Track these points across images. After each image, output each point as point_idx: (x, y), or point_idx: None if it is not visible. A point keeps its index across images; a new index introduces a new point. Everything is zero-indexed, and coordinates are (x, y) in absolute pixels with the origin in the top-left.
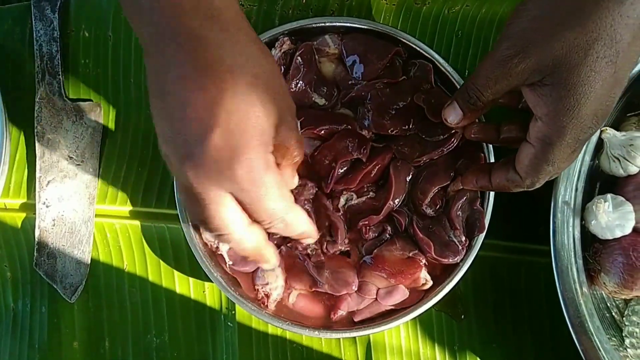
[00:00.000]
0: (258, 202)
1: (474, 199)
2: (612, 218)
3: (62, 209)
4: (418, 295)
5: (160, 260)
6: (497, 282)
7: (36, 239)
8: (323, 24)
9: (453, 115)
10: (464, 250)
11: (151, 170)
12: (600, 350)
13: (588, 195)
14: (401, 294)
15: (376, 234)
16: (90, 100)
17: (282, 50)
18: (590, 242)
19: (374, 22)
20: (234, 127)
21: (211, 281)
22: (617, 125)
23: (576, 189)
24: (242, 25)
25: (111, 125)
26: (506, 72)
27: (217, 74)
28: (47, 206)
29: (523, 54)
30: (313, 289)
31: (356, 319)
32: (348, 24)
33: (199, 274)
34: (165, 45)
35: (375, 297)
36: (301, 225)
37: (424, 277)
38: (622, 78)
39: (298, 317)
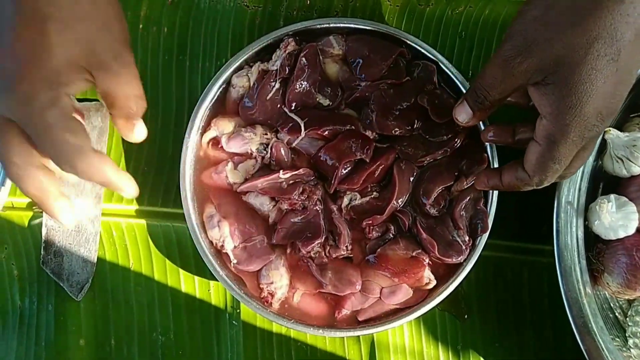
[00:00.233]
0: (38, 137)
1: (477, 199)
2: (615, 218)
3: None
4: (422, 295)
5: (166, 259)
6: (500, 282)
7: (43, 238)
8: (327, 25)
9: (463, 115)
10: (468, 250)
11: (157, 170)
12: (603, 351)
13: (591, 196)
14: (405, 293)
15: (379, 234)
16: (96, 100)
17: (287, 51)
18: (594, 243)
19: (377, 23)
20: (24, 59)
21: (216, 280)
22: (620, 126)
23: (579, 189)
24: None
25: None
26: (510, 71)
27: (30, 21)
28: None
29: (525, 53)
30: (317, 290)
31: (360, 318)
32: (352, 25)
33: (204, 273)
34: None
35: (379, 296)
36: (97, 174)
37: (428, 277)
38: (626, 76)
39: (302, 315)
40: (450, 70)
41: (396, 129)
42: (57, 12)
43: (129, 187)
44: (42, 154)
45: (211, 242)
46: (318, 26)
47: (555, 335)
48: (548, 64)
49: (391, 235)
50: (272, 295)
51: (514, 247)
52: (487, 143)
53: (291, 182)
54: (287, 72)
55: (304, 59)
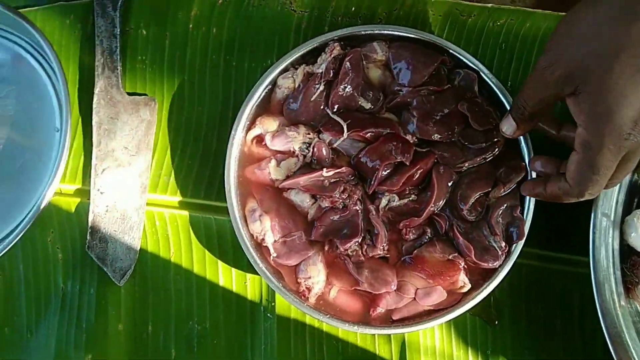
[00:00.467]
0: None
1: (514, 207)
2: None
3: (115, 196)
4: (455, 298)
5: (206, 251)
6: (531, 290)
7: (89, 224)
8: (372, 32)
9: (507, 127)
10: (504, 256)
11: (201, 163)
12: None
13: (627, 209)
14: (439, 295)
15: (416, 236)
16: (145, 94)
17: (332, 55)
18: (629, 255)
19: (421, 32)
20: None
21: (253, 273)
22: None
23: (616, 202)
24: None
25: (164, 119)
26: (544, 83)
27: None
28: (101, 193)
29: (556, 64)
30: (353, 288)
31: (394, 317)
32: (396, 33)
33: (242, 266)
34: None
35: (413, 296)
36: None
37: (462, 280)
38: None
39: (337, 311)
40: (490, 80)
41: (436, 134)
42: None
43: None
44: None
45: (252, 235)
46: (363, 32)
47: (585, 345)
48: (577, 73)
49: (427, 238)
50: (309, 290)
51: (546, 256)
52: (525, 151)
53: (333, 180)
54: (331, 75)
55: (348, 63)
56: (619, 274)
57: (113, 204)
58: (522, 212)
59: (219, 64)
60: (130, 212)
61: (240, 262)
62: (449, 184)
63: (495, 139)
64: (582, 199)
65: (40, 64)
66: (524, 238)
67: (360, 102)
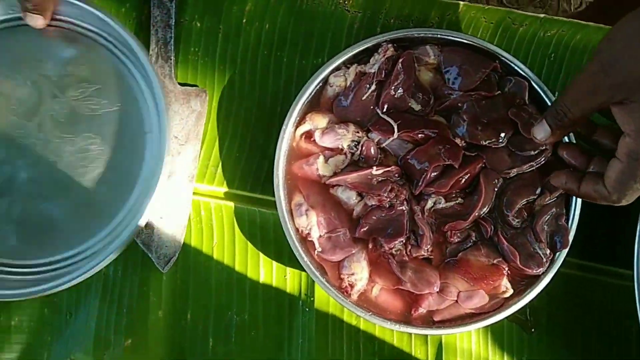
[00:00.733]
0: None
1: (559, 215)
2: None
3: (163, 184)
4: (496, 303)
5: (248, 242)
6: (570, 300)
7: None
8: (425, 35)
9: (542, 133)
10: (548, 263)
11: (249, 156)
12: None
13: None
14: (481, 298)
15: (460, 239)
16: (196, 86)
17: (386, 56)
18: None
19: (474, 37)
20: None
21: (293, 267)
22: None
23: None
24: None
25: (214, 110)
26: (593, 89)
27: None
28: None
29: (610, 71)
30: (396, 287)
31: (436, 319)
32: (449, 37)
33: (282, 259)
34: None
35: (455, 299)
36: None
37: (505, 285)
38: None
39: (379, 309)
40: (541, 89)
41: (485, 139)
42: None
43: None
44: None
45: (297, 229)
46: (416, 35)
47: (621, 358)
48: (630, 82)
49: (472, 242)
50: (352, 287)
51: (587, 266)
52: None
53: (380, 179)
54: (383, 75)
55: (400, 65)
56: None
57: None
58: (566, 221)
59: (269, 60)
60: (178, 200)
61: (281, 255)
62: (495, 189)
63: (544, 147)
64: (617, 205)
65: (120, 60)
66: (568, 247)
67: (410, 104)
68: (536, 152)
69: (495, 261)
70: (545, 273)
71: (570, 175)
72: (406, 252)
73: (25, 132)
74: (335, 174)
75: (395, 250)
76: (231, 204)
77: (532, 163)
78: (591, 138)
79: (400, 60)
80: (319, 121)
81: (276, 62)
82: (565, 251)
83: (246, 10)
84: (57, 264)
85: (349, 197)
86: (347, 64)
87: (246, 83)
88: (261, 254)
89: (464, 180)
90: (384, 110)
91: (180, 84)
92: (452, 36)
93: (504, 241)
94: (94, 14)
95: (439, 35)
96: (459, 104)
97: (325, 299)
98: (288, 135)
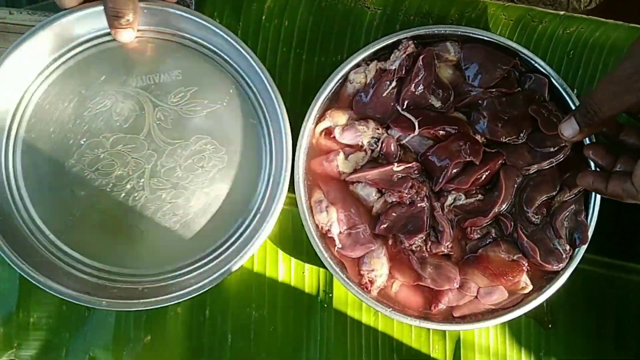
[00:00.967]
0: None
1: (578, 212)
2: None
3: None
4: (516, 298)
5: (267, 239)
6: (587, 296)
7: None
8: (445, 32)
9: (570, 130)
10: (567, 259)
11: None
12: None
13: None
14: (501, 294)
15: (480, 235)
16: None
17: (406, 53)
18: None
19: (494, 34)
20: None
21: (312, 263)
22: None
23: None
24: None
25: None
26: (625, 88)
27: None
28: None
29: None
30: (416, 283)
31: (456, 314)
32: (469, 34)
33: (301, 256)
34: None
35: (475, 295)
36: None
37: (524, 281)
38: None
39: (398, 305)
40: (561, 86)
41: (505, 136)
42: None
43: None
44: None
45: (317, 226)
46: (436, 31)
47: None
48: None
49: (492, 238)
50: (372, 283)
51: (605, 263)
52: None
53: (401, 176)
54: (404, 72)
55: (421, 62)
56: None
57: None
58: (585, 218)
59: (289, 57)
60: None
61: (299, 252)
62: (515, 186)
63: (563, 144)
64: None
65: (209, 57)
66: (587, 243)
67: (430, 100)
68: (556, 149)
69: (515, 257)
70: (564, 269)
71: (597, 175)
72: (426, 249)
73: (136, 146)
74: (355, 171)
75: (415, 247)
76: None
77: (551, 160)
78: (617, 138)
79: (421, 57)
80: (338, 118)
81: (295, 60)
82: (584, 247)
83: (265, 7)
84: (200, 262)
85: (369, 193)
86: (367, 60)
87: None
88: (280, 250)
89: (484, 176)
90: (405, 107)
91: None
92: (473, 33)
93: (524, 237)
94: (179, 16)
95: (459, 32)
96: (479, 101)
97: (343, 296)
98: (308, 132)
